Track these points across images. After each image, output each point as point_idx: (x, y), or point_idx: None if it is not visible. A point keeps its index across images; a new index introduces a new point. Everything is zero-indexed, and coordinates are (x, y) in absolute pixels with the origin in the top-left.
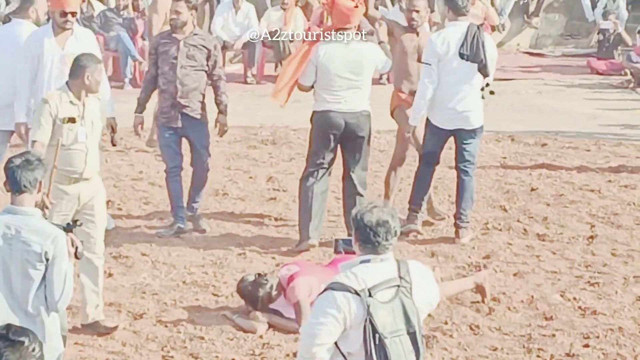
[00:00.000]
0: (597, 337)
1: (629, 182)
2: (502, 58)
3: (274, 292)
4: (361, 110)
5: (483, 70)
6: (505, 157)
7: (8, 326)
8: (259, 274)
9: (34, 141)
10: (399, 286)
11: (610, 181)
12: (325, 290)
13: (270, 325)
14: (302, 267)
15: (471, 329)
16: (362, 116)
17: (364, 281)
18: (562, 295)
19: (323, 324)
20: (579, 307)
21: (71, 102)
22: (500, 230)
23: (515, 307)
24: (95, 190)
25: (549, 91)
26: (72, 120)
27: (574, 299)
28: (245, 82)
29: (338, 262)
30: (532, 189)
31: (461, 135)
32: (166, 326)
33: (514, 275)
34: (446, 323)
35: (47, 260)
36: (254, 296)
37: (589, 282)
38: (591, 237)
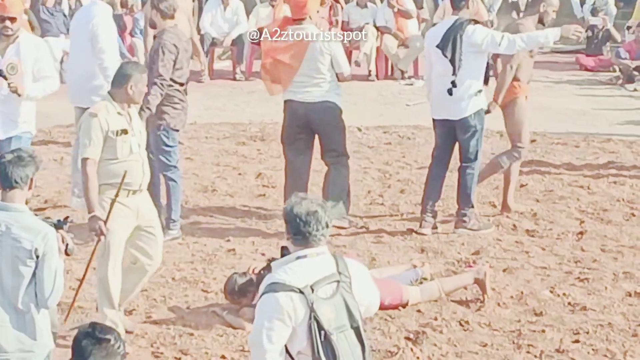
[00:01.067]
0: (587, 332)
1: (618, 178)
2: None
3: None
4: (322, 100)
5: (451, 64)
6: (493, 154)
7: (94, 325)
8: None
9: (85, 158)
10: (338, 281)
11: (599, 177)
12: (265, 292)
13: None
14: None
15: (461, 324)
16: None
17: (305, 278)
18: (551, 291)
19: (270, 329)
20: (569, 303)
21: (119, 113)
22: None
23: (505, 302)
24: (149, 201)
25: (537, 88)
26: (124, 131)
27: (564, 294)
28: (234, 79)
29: None
30: (522, 185)
31: (455, 129)
32: (156, 323)
33: (504, 271)
34: (436, 319)
35: (38, 257)
36: (233, 289)
37: (578, 277)
38: (580, 233)
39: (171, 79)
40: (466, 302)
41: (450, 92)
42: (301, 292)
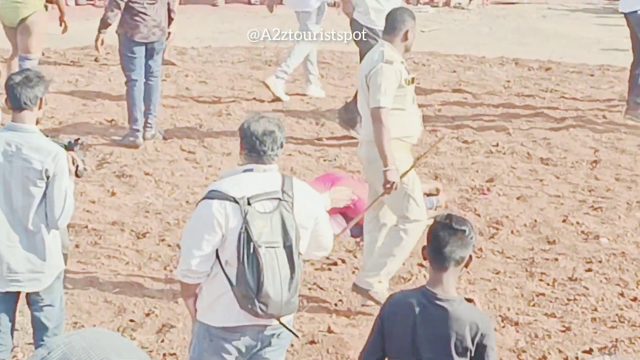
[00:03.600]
0: (600, 261)
1: None
2: None
3: None
4: None
5: None
6: (509, 81)
7: (450, 216)
8: None
9: (381, 107)
10: (280, 199)
11: (614, 107)
12: (203, 198)
13: None
14: None
15: (474, 252)
16: None
17: (244, 190)
18: (564, 220)
19: (199, 235)
20: (582, 232)
21: (402, 61)
22: (504, 154)
23: (519, 230)
24: None
25: (553, 15)
26: (412, 80)
27: (577, 223)
28: (250, 3)
29: (329, 175)
30: (536, 113)
31: None
32: (169, 245)
33: (517, 199)
34: None
35: (48, 177)
36: None
37: (592, 206)
38: (595, 161)
39: None
40: (480, 230)
41: None
42: (236, 201)
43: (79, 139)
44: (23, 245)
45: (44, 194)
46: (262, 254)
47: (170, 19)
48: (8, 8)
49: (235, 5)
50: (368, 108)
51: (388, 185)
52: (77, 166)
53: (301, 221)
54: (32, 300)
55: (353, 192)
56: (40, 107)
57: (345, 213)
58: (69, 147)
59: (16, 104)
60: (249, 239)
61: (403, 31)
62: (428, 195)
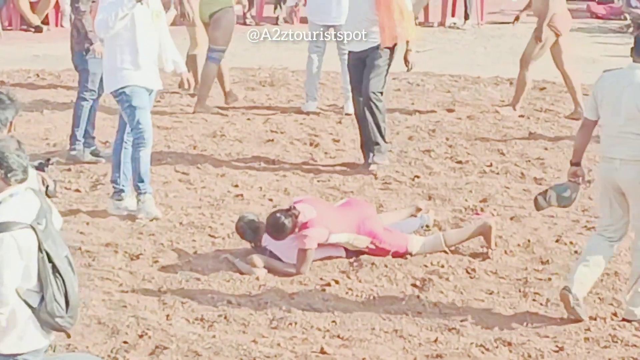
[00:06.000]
0: None
1: None
2: (502, 1)
3: (294, 227)
4: None
5: None
6: (503, 101)
7: None
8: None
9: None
10: (46, 213)
11: None
12: None
13: (268, 270)
14: (319, 212)
15: (467, 272)
16: None
17: (28, 213)
18: (558, 240)
19: (6, 271)
20: (575, 252)
21: None
22: (498, 173)
23: (512, 250)
24: None
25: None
26: None
27: (570, 243)
28: (245, 24)
29: (352, 202)
30: (530, 133)
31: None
32: (163, 267)
33: (511, 219)
34: (442, 266)
35: None
36: (279, 225)
37: (585, 226)
38: (588, 181)
39: None
40: (473, 250)
41: None
42: (31, 227)
43: (49, 159)
44: None
45: None
46: (63, 270)
47: None
48: (203, 4)
49: None
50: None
51: None
52: (47, 186)
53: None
54: None
55: (372, 242)
56: (9, 130)
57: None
58: (39, 168)
59: None
60: (50, 260)
61: None
62: (412, 216)
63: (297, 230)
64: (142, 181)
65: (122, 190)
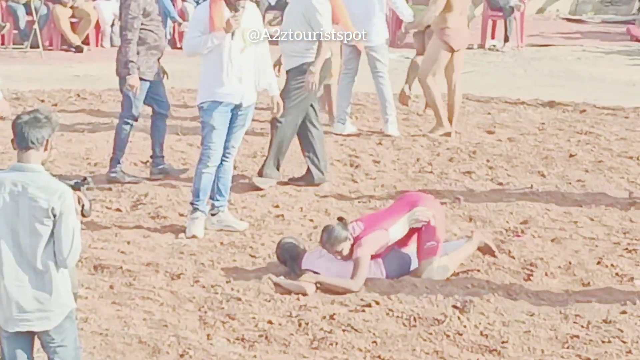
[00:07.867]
0: (634, 304)
1: None
2: (542, 24)
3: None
4: None
5: None
6: (543, 123)
7: None
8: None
9: None
10: None
11: None
12: None
13: (318, 287)
14: (366, 223)
15: (508, 294)
16: None
17: None
18: (599, 262)
19: None
20: (617, 274)
21: None
22: (538, 195)
23: (553, 272)
24: None
25: (588, 57)
26: None
27: (612, 265)
28: None
29: (403, 198)
30: (571, 155)
31: None
32: (203, 287)
33: (552, 241)
34: (483, 288)
35: (55, 216)
36: (332, 232)
37: (626, 249)
38: (630, 204)
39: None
40: (514, 272)
41: None
42: None
43: (85, 178)
44: (32, 284)
45: (52, 233)
46: None
47: None
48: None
49: (270, 46)
50: None
51: None
52: (83, 205)
53: None
54: (44, 341)
55: (433, 215)
56: (46, 149)
57: (412, 235)
58: (75, 187)
59: (23, 143)
60: None
61: None
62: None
63: (349, 243)
64: (198, 197)
65: (221, 204)
